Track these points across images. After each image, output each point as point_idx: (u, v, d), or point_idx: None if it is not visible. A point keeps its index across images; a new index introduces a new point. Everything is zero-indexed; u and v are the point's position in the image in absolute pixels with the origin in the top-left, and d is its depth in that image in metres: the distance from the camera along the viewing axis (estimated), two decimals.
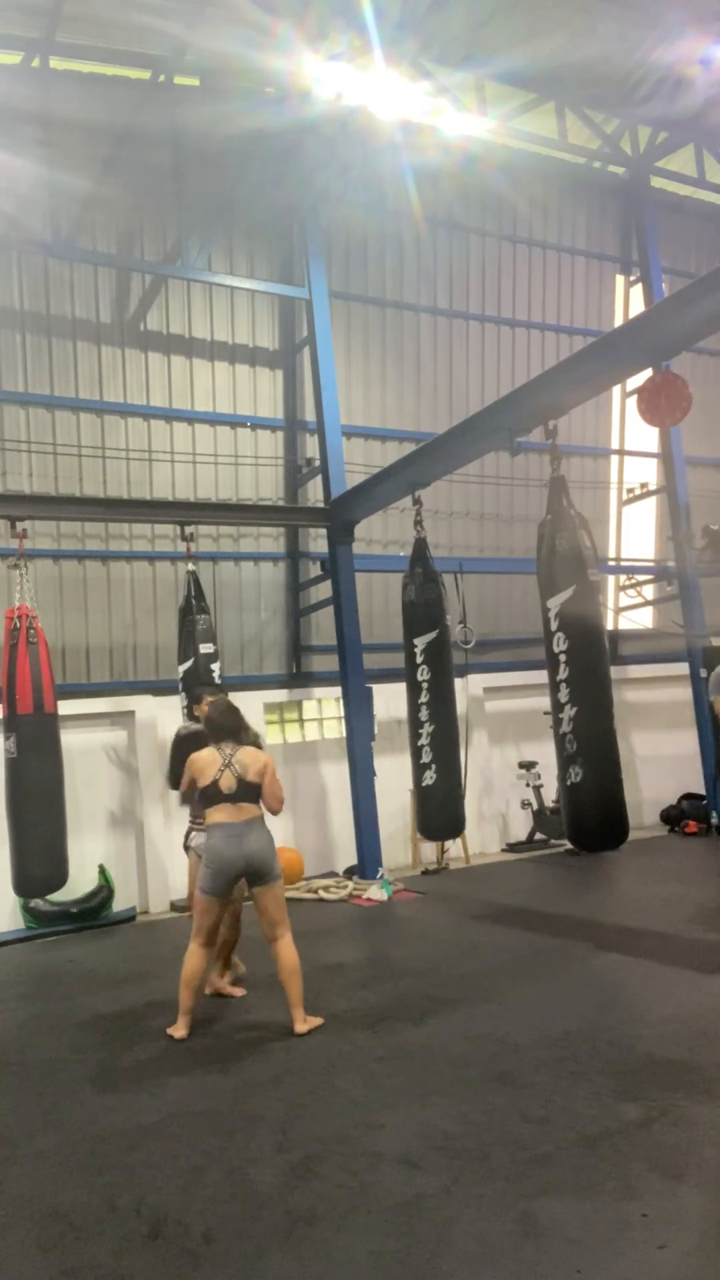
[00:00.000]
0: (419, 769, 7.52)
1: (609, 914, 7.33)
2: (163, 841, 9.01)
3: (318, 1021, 5.04)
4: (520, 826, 10.91)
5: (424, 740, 7.51)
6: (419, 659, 7.61)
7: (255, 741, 5.68)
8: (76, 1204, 3.32)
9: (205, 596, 8.56)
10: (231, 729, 5.30)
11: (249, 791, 5.09)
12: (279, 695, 10.27)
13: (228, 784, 5.09)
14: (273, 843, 5.12)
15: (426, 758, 7.47)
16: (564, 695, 5.84)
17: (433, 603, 7.66)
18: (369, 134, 9.19)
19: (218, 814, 5.09)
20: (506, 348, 11.59)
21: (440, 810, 7.52)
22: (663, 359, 6.13)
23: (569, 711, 5.80)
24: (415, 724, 7.58)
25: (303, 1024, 4.98)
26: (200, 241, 9.42)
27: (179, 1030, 5.04)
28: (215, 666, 8.25)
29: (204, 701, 5.85)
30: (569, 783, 5.81)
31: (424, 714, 7.53)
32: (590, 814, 5.78)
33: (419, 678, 7.60)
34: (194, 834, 5.83)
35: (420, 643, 7.61)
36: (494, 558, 11.19)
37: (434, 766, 7.43)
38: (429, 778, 7.45)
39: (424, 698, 7.50)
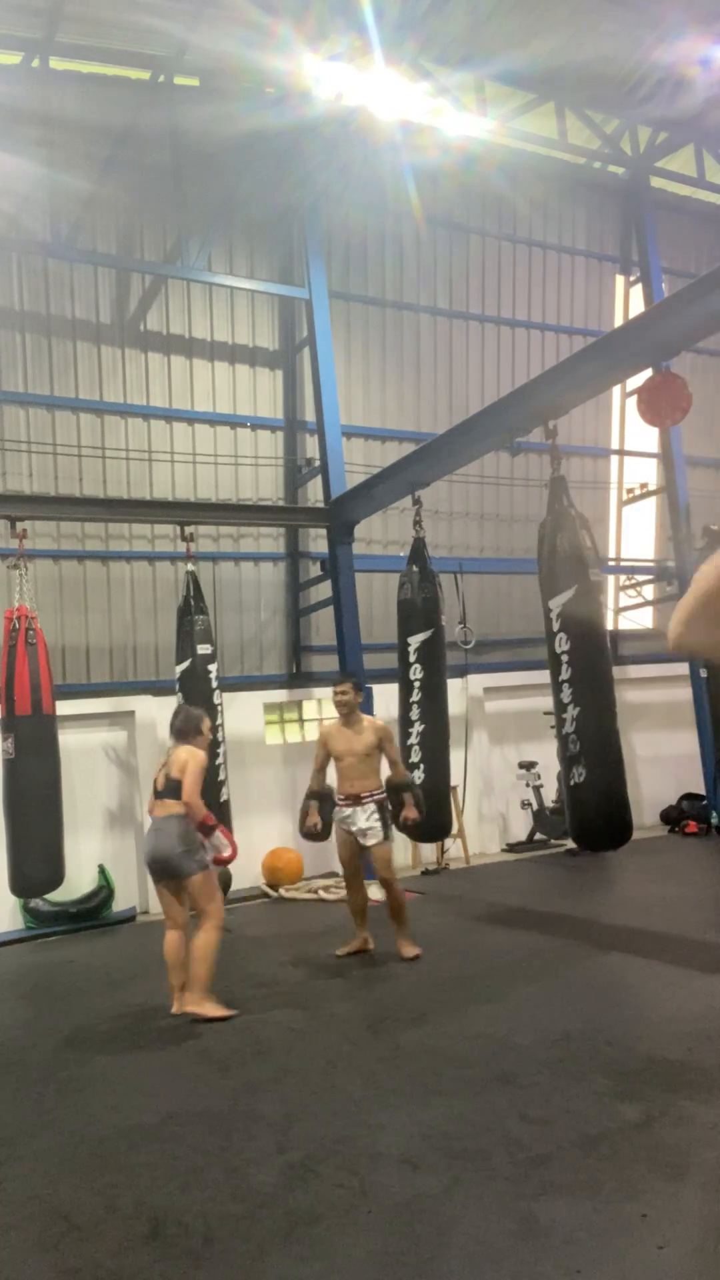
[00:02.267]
0: (407, 768, 7.50)
1: (609, 914, 7.33)
2: None
3: (218, 1011, 5.15)
4: (520, 826, 10.91)
5: (413, 739, 7.50)
6: (412, 658, 7.61)
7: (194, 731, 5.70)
8: (76, 1204, 3.32)
9: (204, 597, 8.55)
10: (177, 730, 5.66)
11: (173, 788, 5.36)
12: (279, 695, 10.27)
13: (160, 781, 5.51)
14: (180, 840, 5.25)
15: (415, 757, 7.46)
16: (566, 695, 5.84)
17: (428, 601, 7.66)
18: (369, 134, 9.19)
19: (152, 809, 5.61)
20: (506, 348, 11.59)
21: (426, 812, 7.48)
22: (663, 359, 6.14)
23: (572, 711, 5.80)
24: (405, 723, 7.56)
25: (194, 1005, 5.21)
26: (200, 241, 9.43)
27: (174, 1007, 5.41)
28: (212, 667, 8.24)
29: (334, 690, 6.32)
30: (573, 783, 5.81)
31: (414, 713, 7.52)
32: (594, 813, 5.78)
33: (411, 677, 7.58)
34: (335, 808, 6.34)
35: (414, 641, 7.60)
36: (494, 558, 11.18)
37: (421, 766, 7.41)
38: (415, 777, 7.43)
39: (415, 696, 7.50)
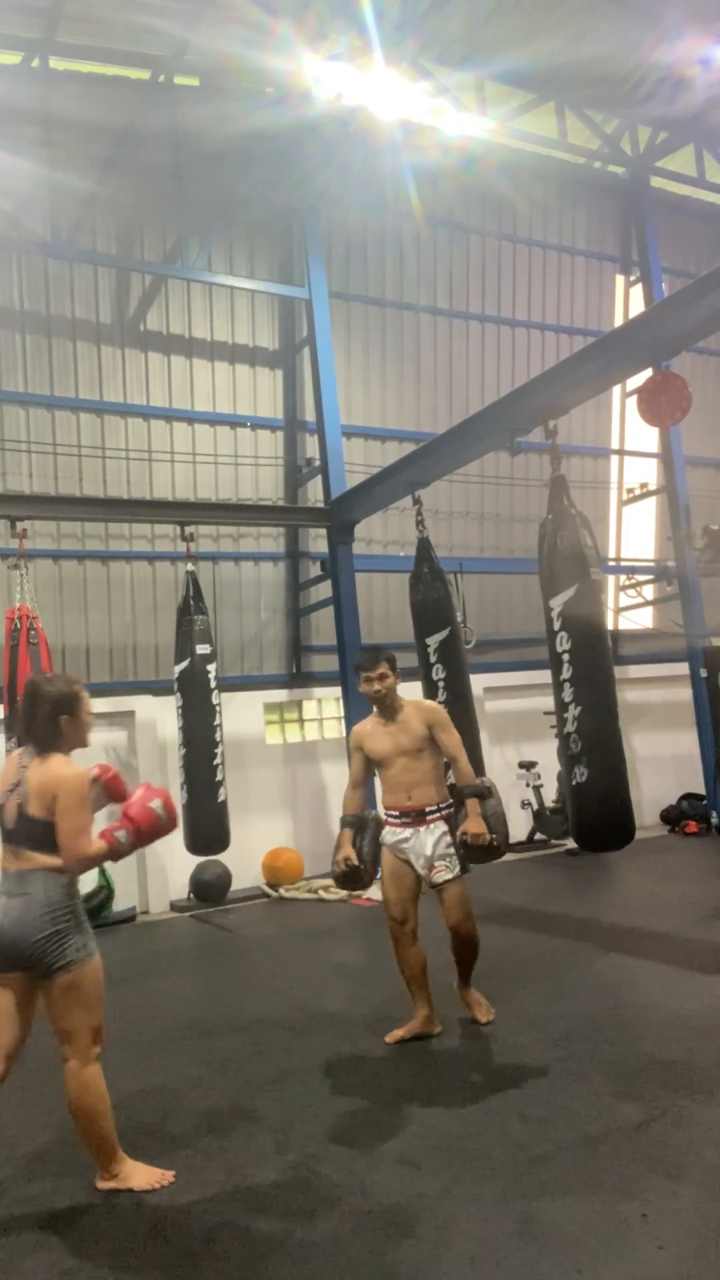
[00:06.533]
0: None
1: (609, 914, 7.33)
2: (162, 841, 8.97)
3: (149, 1180, 3.35)
4: (520, 826, 10.90)
5: None
6: (432, 659, 7.59)
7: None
8: (76, 1204, 3.32)
9: (204, 597, 8.56)
10: (26, 727, 3.44)
11: (31, 830, 3.27)
12: (279, 695, 10.27)
13: (9, 815, 3.33)
14: (47, 913, 3.21)
15: None
16: (568, 695, 5.82)
17: (442, 601, 7.67)
18: (369, 134, 9.18)
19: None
20: (506, 348, 11.59)
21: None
22: (663, 359, 6.12)
23: (573, 711, 5.79)
24: None
25: (110, 1181, 3.34)
26: (200, 241, 9.43)
27: None
28: (211, 668, 8.25)
29: (362, 677, 4.61)
30: (574, 783, 5.79)
31: None
32: (596, 814, 5.76)
33: (434, 677, 7.57)
34: (384, 829, 4.77)
35: (432, 642, 7.60)
36: (494, 558, 11.19)
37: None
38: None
39: (441, 697, 7.47)
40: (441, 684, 7.54)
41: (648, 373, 6.31)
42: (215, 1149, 3.66)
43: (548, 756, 10.40)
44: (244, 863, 9.07)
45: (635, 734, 11.47)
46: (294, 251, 10.24)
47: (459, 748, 4.59)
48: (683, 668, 11.06)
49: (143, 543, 9.67)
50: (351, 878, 4.65)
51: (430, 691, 7.56)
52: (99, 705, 8.92)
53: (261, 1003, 5.54)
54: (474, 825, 4.48)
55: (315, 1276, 2.79)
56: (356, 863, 4.58)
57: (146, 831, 3.47)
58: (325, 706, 10.49)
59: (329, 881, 9.10)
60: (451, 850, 4.55)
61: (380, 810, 4.81)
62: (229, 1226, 3.08)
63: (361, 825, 4.72)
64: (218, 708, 8.30)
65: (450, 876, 4.55)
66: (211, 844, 8.18)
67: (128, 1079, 4.49)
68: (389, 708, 4.63)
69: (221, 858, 8.64)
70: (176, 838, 8.43)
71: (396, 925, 4.68)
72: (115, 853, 3.40)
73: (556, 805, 10.46)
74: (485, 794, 4.59)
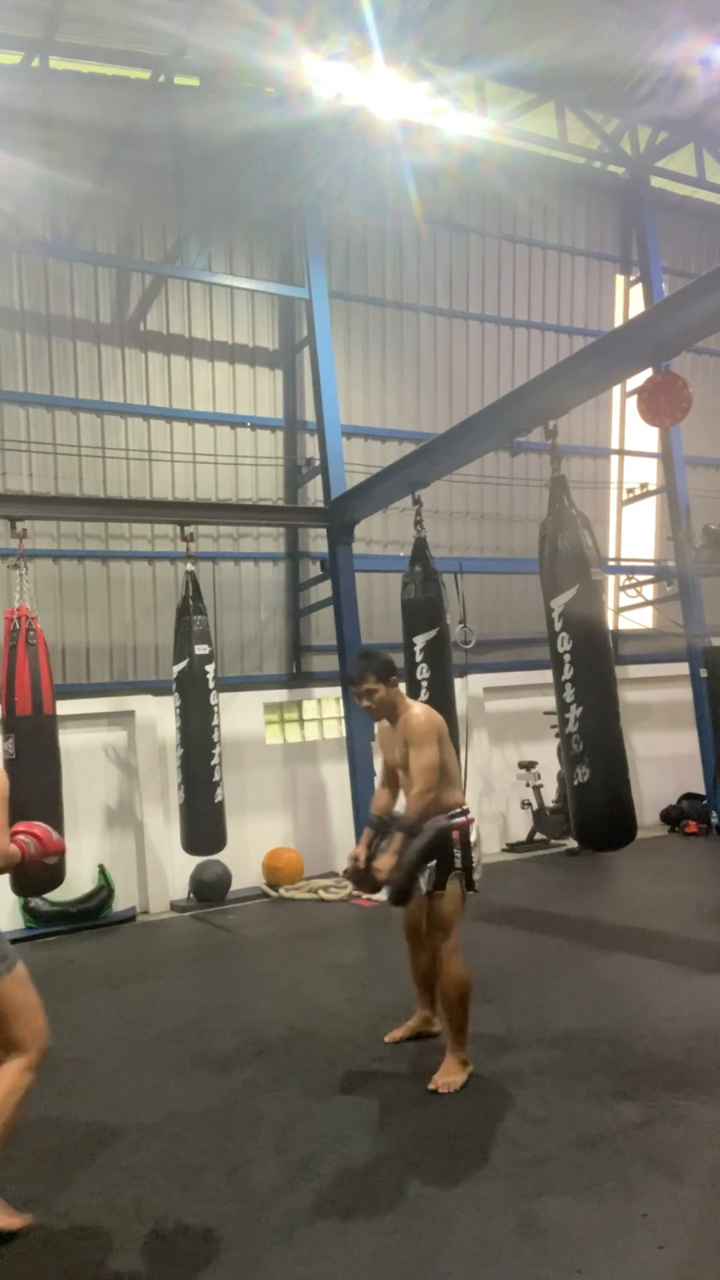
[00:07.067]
0: None
1: (609, 914, 7.33)
2: (162, 841, 9.01)
3: (20, 1222, 3.16)
4: (520, 826, 10.91)
5: None
6: (418, 658, 7.64)
7: None
8: (76, 1204, 3.32)
9: (203, 597, 8.56)
10: None
11: None
12: (279, 695, 10.27)
13: None
14: None
15: None
16: (569, 695, 5.83)
17: (432, 601, 7.69)
18: (369, 134, 9.18)
19: None
20: (506, 348, 11.59)
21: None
22: (663, 359, 6.12)
23: (575, 711, 5.79)
24: None
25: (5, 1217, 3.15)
26: (200, 241, 9.42)
27: None
28: (210, 668, 8.26)
29: (361, 684, 4.39)
30: (576, 783, 5.80)
31: None
32: (598, 813, 5.77)
33: (418, 676, 7.63)
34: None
35: (420, 641, 7.64)
36: (494, 558, 11.19)
37: None
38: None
39: (424, 696, 7.51)
40: (425, 683, 7.59)
41: (648, 373, 6.31)
42: (215, 1149, 3.66)
43: (548, 756, 10.40)
44: (244, 863, 9.07)
45: (635, 734, 11.47)
46: (294, 251, 10.24)
47: (420, 772, 4.18)
48: (683, 668, 11.06)
49: (143, 543, 9.67)
50: (361, 880, 4.42)
51: (414, 691, 7.59)
52: (99, 705, 9.07)
53: (261, 1003, 5.54)
54: (383, 860, 4.18)
55: (315, 1276, 2.79)
56: (361, 865, 4.37)
57: (46, 843, 3.39)
58: (325, 706, 10.49)
59: (329, 881, 9.10)
60: (432, 863, 4.27)
61: None
62: (229, 1226, 3.09)
63: (383, 828, 4.46)
64: (216, 708, 8.30)
65: (426, 890, 4.28)
66: (208, 844, 8.19)
67: (128, 1078, 4.50)
68: (391, 716, 4.44)
69: (221, 858, 8.64)
70: (174, 837, 8.48)
71: (408, 930, 4.67)
72: (22, 858, 3.26)
73: (557, 805, 10.46)
74: (411, 828, 4.16)
